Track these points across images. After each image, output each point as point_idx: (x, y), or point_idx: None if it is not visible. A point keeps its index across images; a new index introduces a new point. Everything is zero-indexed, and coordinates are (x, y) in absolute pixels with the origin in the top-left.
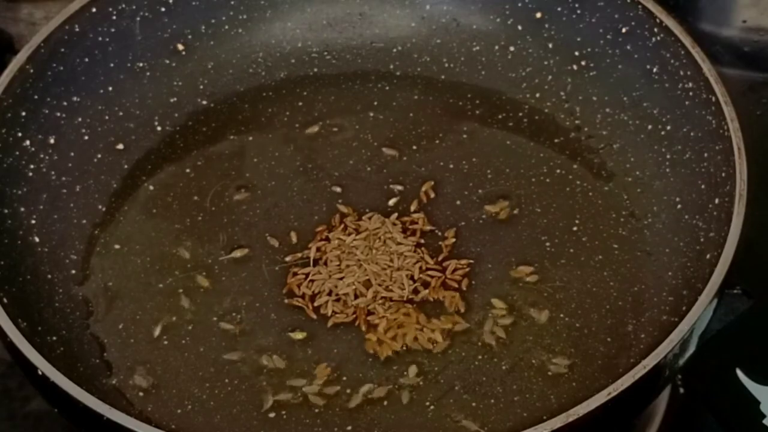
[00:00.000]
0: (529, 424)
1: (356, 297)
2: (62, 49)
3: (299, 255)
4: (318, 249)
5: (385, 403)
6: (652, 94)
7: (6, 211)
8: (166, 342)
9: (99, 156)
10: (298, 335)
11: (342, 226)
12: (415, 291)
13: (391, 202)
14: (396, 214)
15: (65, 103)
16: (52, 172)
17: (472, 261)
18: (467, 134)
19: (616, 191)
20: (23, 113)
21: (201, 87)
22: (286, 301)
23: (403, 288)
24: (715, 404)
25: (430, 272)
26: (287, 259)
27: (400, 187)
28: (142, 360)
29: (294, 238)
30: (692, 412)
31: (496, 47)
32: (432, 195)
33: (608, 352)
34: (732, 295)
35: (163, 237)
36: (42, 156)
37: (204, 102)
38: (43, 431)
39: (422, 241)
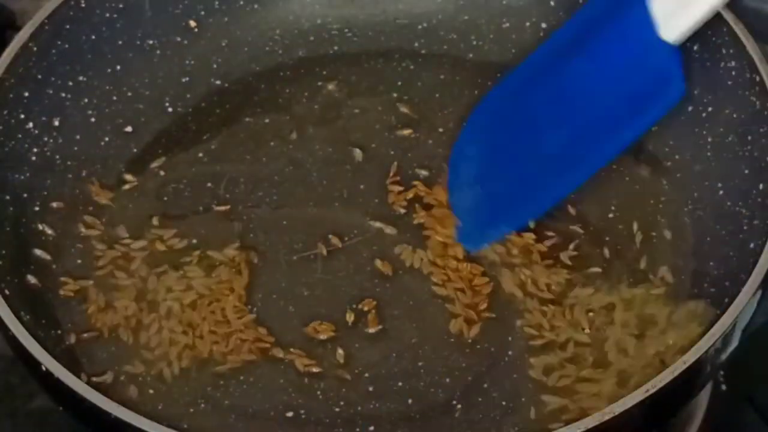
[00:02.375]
0: None
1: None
2: (67, 26)
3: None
4: None
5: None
6: (692, 74)
7: (8, 197)
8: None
9: (106, 139)
10: (321, 332)
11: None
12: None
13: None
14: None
15: (70, 83)
16: (57, 156)
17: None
18: None
19: (655, 176)
20: (26, 93)
21: (214, 66)
22: (305, 293)
23: None
24: (759, 401)
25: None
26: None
27: (425, 172)
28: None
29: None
30: (735, 409)
31: (528, 24)
32: None
33: None
34: None
35: (174, 226)
36: (46, 139)
37: (218, 82)
38: (47, 430)
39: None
